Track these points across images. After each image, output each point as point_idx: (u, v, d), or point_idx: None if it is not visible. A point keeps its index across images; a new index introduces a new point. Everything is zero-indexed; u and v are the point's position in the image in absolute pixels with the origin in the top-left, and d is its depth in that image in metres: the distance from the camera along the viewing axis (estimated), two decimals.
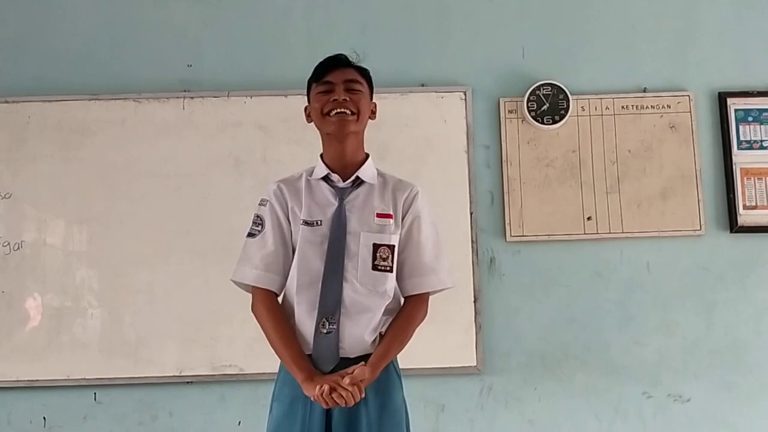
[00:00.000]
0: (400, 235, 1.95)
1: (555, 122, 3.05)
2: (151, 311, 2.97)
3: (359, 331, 1.87)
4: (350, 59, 2.00)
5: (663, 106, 3.09)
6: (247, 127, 3.04)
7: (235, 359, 2.92)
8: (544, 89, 3.06)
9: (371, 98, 2.02)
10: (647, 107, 3.09)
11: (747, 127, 3.09)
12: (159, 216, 3.01)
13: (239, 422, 2.93)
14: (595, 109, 3.08)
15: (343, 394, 1.75)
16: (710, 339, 2.99)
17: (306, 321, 1.87)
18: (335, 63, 1.97)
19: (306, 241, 1.91)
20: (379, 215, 1.93)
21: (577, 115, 3.08)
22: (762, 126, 3.09)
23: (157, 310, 2.96)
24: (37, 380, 2.94)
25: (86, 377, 2.93)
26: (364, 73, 2.01)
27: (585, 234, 3.02)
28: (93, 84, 3.10)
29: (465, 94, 3.08)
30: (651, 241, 3.03)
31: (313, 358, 1.86)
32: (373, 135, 2.98)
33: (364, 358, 1.85)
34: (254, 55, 3.13)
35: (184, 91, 3.08)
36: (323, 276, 1.89)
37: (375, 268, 1.90)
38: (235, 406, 2.94)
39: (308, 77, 1.98)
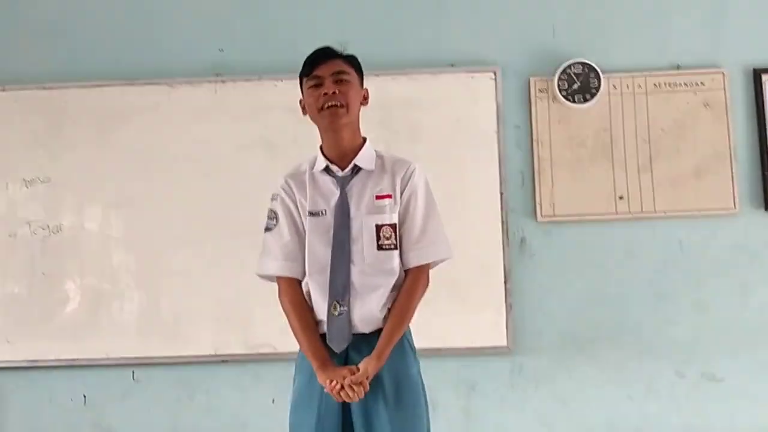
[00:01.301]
0: (399, 212, 2.03)
1: (586, 101, 3.03)
2: (186, 292, 3.02)
3: (370, 308, 1.96)
4: (336, 50, 2.04)
5: (696, 84, 3.05)
6: (278, 110, 3.06)
7: (269, 338, 2.97)
8: (574, 68, 3.04)
9: (362, 85, 2.08)
10: (680, 85, 3.05)
11: None
12: (193, 199, 3.06)
13: (273, 400, 2.98)
14: (627, 87, 3.06)
15: (349, 393, 1.86)
16: (744, 318, 2.97)
17: (320, 304, 1.98)
18: (322, 56, 2.03)
19: (312, 230, 2.01)
20: (378, 197, 2.01)
21: (609, 94, 3.05)
22: None
23: (192, 291, 3.02)
24: (77, 359, 3.02)
25: (125, 356, 3.01)
26: (352, 61, 2.06)
27: (617, 213, 3.01)
28: (127, 70, 3.15)
29: (495, 74, 3.07)
30: (684, 220, 3.01)
31: (327, 338, 1.97)
32: (403, 115, 3.06)
33: (377, 332, 1.96)
34: (285, 37, 3.14)
35: (216, 75, 3.11)
36: (331, 262, 1.98)
37: (380, 248, 1.99)
38: (269, 385, 2.99)
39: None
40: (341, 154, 2.04)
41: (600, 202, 3.01)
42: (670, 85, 3.05)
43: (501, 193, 3.02)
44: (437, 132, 3.04)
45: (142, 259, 3.06)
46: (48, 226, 3.09)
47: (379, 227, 2.00)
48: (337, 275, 1.98)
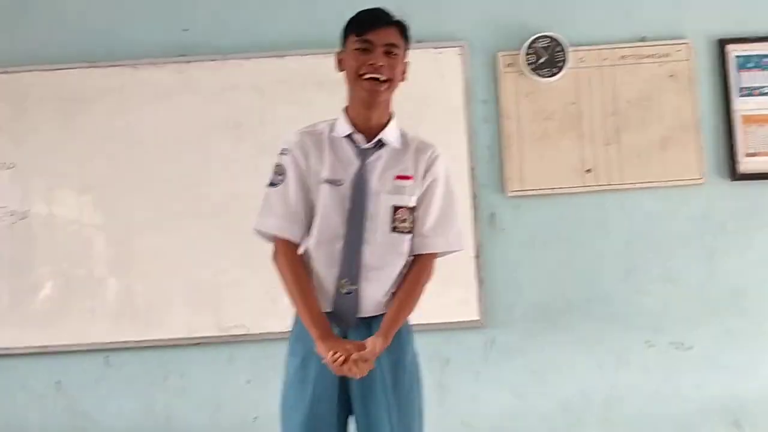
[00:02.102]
0: (418, 195, 1.96)
1: (553, 75, 3.04)
2: (158, 275, 3.01)
3: (377, 291, 1.92)
4: (392, 15, 1.94)
5: (662, 55, 3.07)
6: (244, 90, 3.04)
7: (242, 320, 2.97)
8: (541, 41, 3.04)
9: (406, 53, 1.98)
10: (646, 56, 3.07)
11: (747, 73, 3.07)
12: (161, 181, 3.03)
13: (248, 381, 2.99)
14: (593, 60, 3.07)
15: (355, 368, 1.80)
16: (712, 287, 3.02)
17: (326, 278, 1.91)
18: (379, 20, 1.92)
19: (329, 199, 1.91)
20: (399, 177, 1.94)
21: (576, 67, 3.06)
22: (763, 72, 3.07)
23: (164, 274, 3.00)
24: (49, 346, 3.00)
25: (97, 341, 2.99)
26: (405, 33, 1.97)
27: (585, 186, 3.03)
28: (90, 51, 3.10)
29: (462, 49, 3.07)
30: (652, 191, 3.04)
31: (331, 317, 1.90)
32: None
33: (378, 317, 1.90)
34: (249, 17, 3.11)
35: (181, 55, 3.07)
36: (344, 237, 1.91)
37: (394, 229, 1.92)
38: (243, 366, 3.00)
39: (346, 23, 1.93)
40: (369, 125, 1.95)
41: (568, 175, 3.03)
42: (635, 57, 3.06)
43: (470, 169, 3.02)
44: (405, 108, 2.91)
45: (113, 243, 3.04)
46: (15, 212, 3.05)
47: (396, 208, 1.93)
48: (350, 252, 1.90)
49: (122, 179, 3.04)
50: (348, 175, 1.92)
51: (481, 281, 2.98)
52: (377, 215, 1.91)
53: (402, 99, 2.99)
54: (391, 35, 1.92)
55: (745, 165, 3.02)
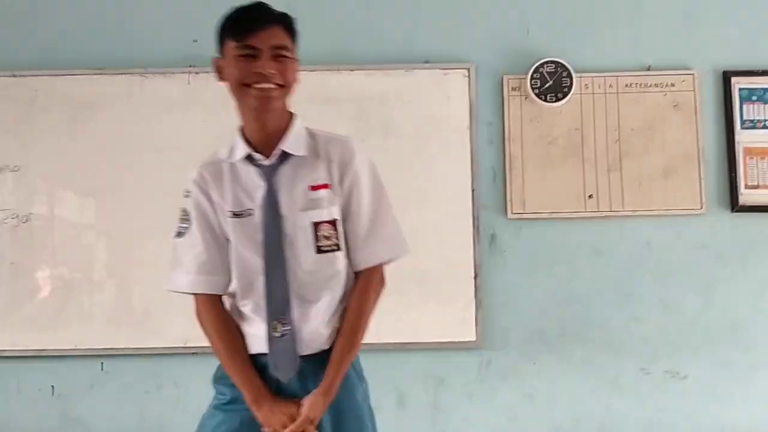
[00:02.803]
0: (341, 204, 1.71)
1: (558, 100, 3.06)
2: (157, 283, 2.95)
3: (315, 325, 1.68)
4: (274, 11, 1.68)
5: (667, 85, 3.09)
6: None
7: None
8: (547, 67, 3.07)
9: (295, 53, 1.70)
10: (651, 85, 3.09)
11: (751, 106, 3.09)
12: (164, 190, 3.02)
13: None
14: (599, 87, 3.09)
15: None
16: (709, 317, 3.02)
17: (255, 323, 1.70)
18: (259, 20, 1.65)
19: (238, 235, 1.69)
20: (313, 187, 1.68)
21: (581, 93, 3.08)
22: (766, 105, 3.09)
23: (162, 283, 3.00)
24: (45, 350, 3.00)
25: (94, 347, 2.99)
26: (291, 29, 1.69)
27: (586, 212, 3.04)
28: (99, 58, 3.12)
29: (468, 71, 3.09)
30: (652, 219, 3.05)
31: (271, 367, 1.68)
32: (376, 110, 3.06)
33: (324, 354, 1.68)
34: None
35: (190, 66, 3.10)
36: (265, 273, 1.67)
37: (319, 250, 1.67)
38: None
39: (223, 23, 1.72)
40: (266, 138, 1.68)
41: (570, 200, 3.05)
42: (640, 86, 3.09)
43: (472, 190, 3.04)
44: (410, 127, 3.06)
45: (113, 249, 3.04)
46: (18, 215, 3.06)
47: (316, 225, 1.66)
48: (274, 289, 1.66)
49: (126, 186, 3.05)
50: (256, 202, 1.68)
51: (479, 302, 2.98)
52: (296, 239, 1.66)
53: (407, 119, 3.06)
54: (278, 36, 1.65)
55: (746, 197, 3.04)
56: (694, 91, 3.08)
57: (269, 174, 1.68)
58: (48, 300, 3.02)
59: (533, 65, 3.06)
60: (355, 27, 3.13)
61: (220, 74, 1.72)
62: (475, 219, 3.03)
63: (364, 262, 1.73)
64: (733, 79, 3.09)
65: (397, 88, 3.06)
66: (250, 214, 1.69)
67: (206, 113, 3.06)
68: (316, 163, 1.70)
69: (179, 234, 1.76)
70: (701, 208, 3.04)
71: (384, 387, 2.97)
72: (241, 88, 1.65)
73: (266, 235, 1.67)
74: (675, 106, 3.08)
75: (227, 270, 1.72)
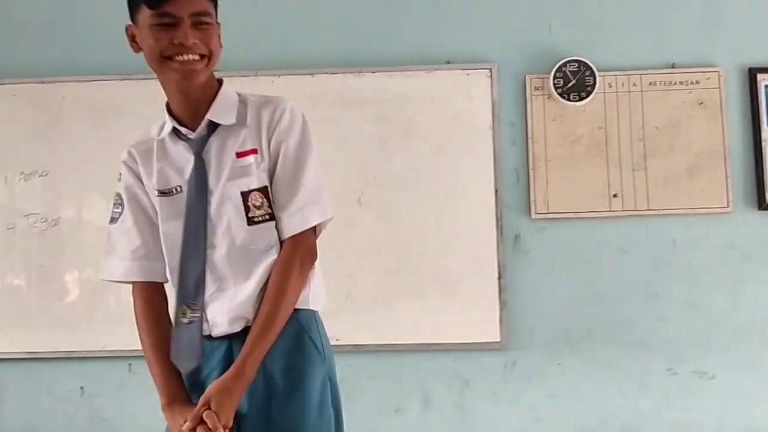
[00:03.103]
0: (269, 168, 1.56)
1: (581, 99, 3.04)
2: None
3: (243, 302, 1.52)
4: None
5: (692, 82, 3.06)
6: None
7: None
8: (570, 66, 3.05)
9: (217, 16, 1.56)
10: (675, 83, 3.06)
11: None
12: None
13: None
14: (622, 85, 3.07)
15: None
16: (736, 316, 2.99)
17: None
18: None
19: (167, 216, 1.58)
20: (239, 154, 1.54)
21: (604, 92, 3.06)
22: None
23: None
24: (74, 351, 3.04)
25: (122, 348, 3.02)
26: None
27: (611, 211, 3.02)
28: (125, 64, 3.10)
29: (491, 71, 3.08)
30: (678, 218, 3.02)
31: (172, 355, 1.55)
32: (398, 112, 3.07)
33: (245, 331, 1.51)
34: (281, 34, 3.16)
35: (215, 71, 3.12)
36: (181, 254, 1.54)
37: (251, 221, 1.53)
38: None
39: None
40: (193, 110, 1.57)
41: (594, 199, 3.03)
42: (665, 84, 3.06)
43: (495, 190, 3.03)
44: (432, 129, 3.06)
45: None
46: (46, 219, 3.11)
47: (246, 195, 1.53)
48: (188, 270, 1.53)
49: None
50: (185, 178, 1.56)
51: (503, 303, 2.98)
52: (224, 212, 1.53)
53: (429, 119, 3.06)
54: (198, 3, 1.50)
55: None
56: (719, 88, 3.05)
57: (197, 147, 1.56)
58: (76, 302, 3.07)
59: (556, 64, 3.05)
60: (377, 29, 3.14)
61: (134, 42, 1.57)
62: (499, 220, 3.02)
63: (286, 230, 1.54)
64: (759, 76, 3.05)
65: (419, 90, 3.07)
66: (178, 191, 1.57)
67: None
68: (248, 130, 1.56)
69: (112, 219, 1.65)
70: (728, 206, 3.00)
71: (408, 387, 2.99)
72: (161, 60, 1.51)
73: (188, 211, 1.55)
74: (700, 103, 3.05)
75: (162, 255, 1.60)
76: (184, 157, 1.58)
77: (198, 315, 1.53)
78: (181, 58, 1.50)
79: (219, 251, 1.54)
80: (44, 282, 3.08)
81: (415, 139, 3.05)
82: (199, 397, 1.47)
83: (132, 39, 1.58)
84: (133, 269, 1.62)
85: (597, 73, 3.04)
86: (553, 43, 3.11)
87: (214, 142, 1.56)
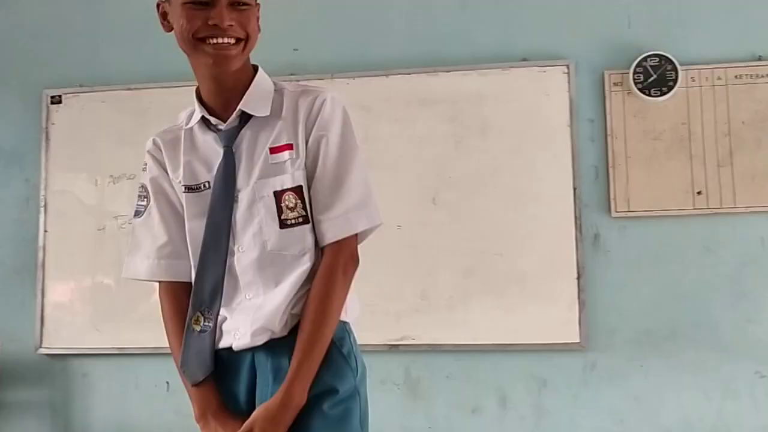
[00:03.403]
0: (307, 165, 1.42)
1: (663, 94, 2.96)
2: None
3: (270, 312, 1.39)
4: None
5: None
6: (349, 108, 3.08)
7: None
8: (651, 60, 2.97)
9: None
10: (763, 76, 2.94)
11: None
12: None
13: None
14: (706, 79, 2.97)
15: None
16: None
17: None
18: None
19: (193, 214, 1.45)
20: (273, 149, 1.41)
21: (687, 86, 2.97)
22: None
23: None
24: (160, 347, 3.12)
25: None
26: None
27: (695, 209, 2.93)
28: None
29: (568, 68, 3.04)
30: (766, 215, 2.91)
31: (181, 363, 1.47)
32: (473, 111, 3.06)
33: (289, 335, 1.39)
34: (356, 36, 3.19)
35: (291, 74, 3.19)
36: (200, 256, 1.42)
37: (283, 224, 1.39)
38: None
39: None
40: (226, 98, 1.44)
41: (677, 197, 2.94)
42: (751, 77, 2.95)
43: (574, 188, 2.99)
44: (508, 127, 3.04)
45: None
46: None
47: (279, 195, 1.39)
48: (206, 275, 1.41)
49: None
50: (212, 173, 1.44)
51: (582, 303, 2.93)
52: (257, 212, 1.40)
53: (506, 117, 3.04)
54: None
55: None
56: None
57: (228, 139, 1.43)
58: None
59: (636, 59, 2.98)
60: (451, 27, 3.13)
61: (165, 21, 1.46)
62: (577, 218, 2.97)
63: (328, 235, 1.40)
64: None
65: (494, 88, 3.05)
66: (206, 188, 1.44)
67: None
68: (284, 122, 1.42)
69: (137, 213, 1.54)
70: None
71: (485, 388, 2.98)
72: (193, 42, 1.39)
73: (212, 210, 1.42)
74: None
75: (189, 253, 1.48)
76: (212, 149, 1.45)
77: (211, 324, 1.41)
78: (214, 41, 1.37)
79: (248, 256, 1.41)
80: (133, 281, 3.18)
81: (490, 137, 3.04)
82: (233, 406, 1.41)
83: (163, 17, 1.46)
84: (159, 268, 1.50)
85: (679, 67, 2.95)
86: (633, 37, 3.04)
87: (245, 134, 1.43)
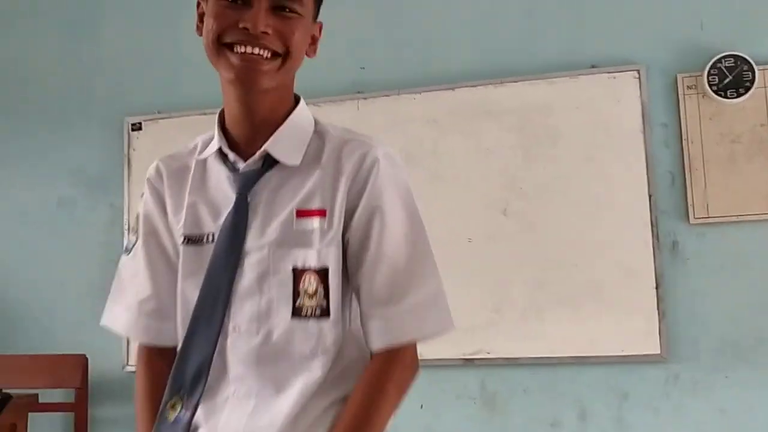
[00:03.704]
0: (347, 239, 1.12)
1: (740, 95, 2.87)
2: None
3: (265, 427, 1.10)
4: None
5: None
6: (417, 123, 3.13)
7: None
8: (726, 61, 2.88)
9: (317, 14, 1.16)
10: None
11: None
12: None
13: (421, 406, 3.04)
14: None
15: None
16: None
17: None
18: None
19: (189, 271, 1.15)
20: (301, 213, 1.11)
21: (765, 87, 2.87)
22: None
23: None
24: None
25: None
26: None
27: None
28: None
29: (639, 73, 2.97)
30: None
31: None
32: (542, 120, 3.03)
33: None
34: (422, 51, 3.21)
35: (358, 92, 3.23)
36: (189, 325, 1.12)
37: (296, 312, 1.09)
38: (417, 390, 3.04)
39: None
40: (253, 130, 1.16)
41: (759, 201, 2.84)
42: None
43: (650, 195, 2.91)
44: (579, 135, 2.99)
45: None
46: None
47: (298, 273, 1.08)
48: (191, 352, 1.10)
49: None
50: (219, 223, 1.14)
51: (662, 313, 2.85)
52: (267, 289, 1.10)
53: (576, 126, 3.00)
54: None
55: None
56: None
57: (244, 185, 1.14)
58: None
59: (710, 61, 2.89)
60: (516, 37, 3.12)
61: (201, 23, 1.19)
62: (654, 226, 2.90)
63: (383, 338, 1.11)
64: None
65: (563, 96, 3.01)
66: (210, 241, 1.15)
67: (376, 135, 3.18)
68: (319, 176, 1.13)
69: (126, 249, 1.26)
70: None
71: (564, 401, 2.93)
72: (217, 48, 1.12)
73: (210, 272, 1.12)
74: None
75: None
76: (224, 193, 1.15)
77: (189, 414, 1.10)
78: (242, 49, 1.09)
79: (245, 342, 1.11)
80: None
81: (560, 146, 3.00)
82: None
83: (200, 18, 1.19)
84: (137, 326, 1.22)
85: (756, 68, 2.85)
86: (706, 39, 2.95)
87: (268, 181, 1.13)
